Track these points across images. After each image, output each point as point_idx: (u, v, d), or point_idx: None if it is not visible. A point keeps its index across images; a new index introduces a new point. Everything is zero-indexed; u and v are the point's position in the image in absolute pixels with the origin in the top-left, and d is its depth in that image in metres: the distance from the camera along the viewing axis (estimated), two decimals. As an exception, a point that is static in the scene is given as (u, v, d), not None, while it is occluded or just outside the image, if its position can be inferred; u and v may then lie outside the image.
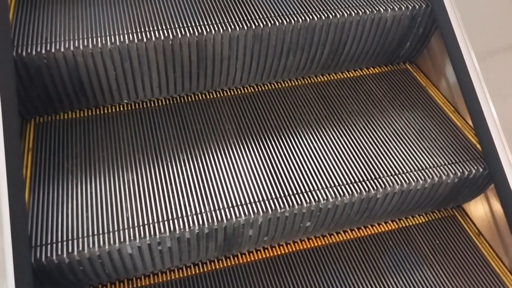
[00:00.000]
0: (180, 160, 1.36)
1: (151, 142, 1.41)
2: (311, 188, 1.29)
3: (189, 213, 1.22)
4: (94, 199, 1.24)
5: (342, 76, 1.71)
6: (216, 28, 1.38)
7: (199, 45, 1.39)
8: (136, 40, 1.33)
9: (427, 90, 1.67)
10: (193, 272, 1.41)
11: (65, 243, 1.14)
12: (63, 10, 1.44)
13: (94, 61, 1.33)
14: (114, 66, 1.36)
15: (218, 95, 1.60)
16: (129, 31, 1.35)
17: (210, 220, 1.21)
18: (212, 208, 1.23)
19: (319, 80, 1.69)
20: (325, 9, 1.48)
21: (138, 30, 1.36)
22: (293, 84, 1.66)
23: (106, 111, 1.50)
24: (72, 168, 1.32)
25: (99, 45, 1.31)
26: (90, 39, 1.32)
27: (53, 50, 1.28)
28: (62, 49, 1.28)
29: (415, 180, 1.33)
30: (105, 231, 1.17)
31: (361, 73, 1.73)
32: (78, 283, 1.27)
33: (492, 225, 1.51)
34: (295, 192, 1.28)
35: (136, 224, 1.19)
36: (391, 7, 1.51)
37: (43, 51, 1.27)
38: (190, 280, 1.39)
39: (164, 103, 1.55)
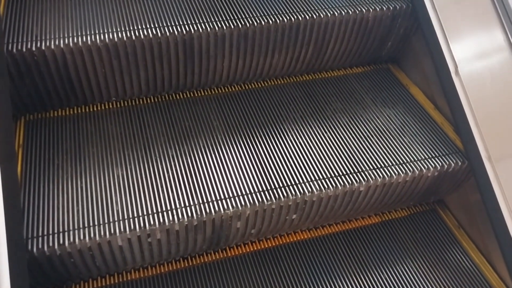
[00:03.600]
0: (169, 155, 1.39)
1: (140, 138, 1.44)
2: (297, 182, 1.33)
3: (178, 206, 1.25)
4: (85, 193, 1.27)
5: (327, 75, 1.76)
6: (203, 27, 1.42)
7: (186, 44, 1.43)
8: (125, 38, 1.36)
9: (408, 88, 1.72)
10: (182, 266, 1.43)
11: (56, 235, 1.16)
12: (53, 7, 1.47)
13: (83, 58, 1.36)
14: (103, 63, 1.39)
15: (206, 93, 1.63)
16: (118, 29, 1.38)
17: (198, 213, 1.24)
18: (200, 201, 1.26)
19: (304, 78, 1.73)
20: (309, 9, 1.52)
21: (127, 28, 1.39)
22: (279, 82, 1.71)
23: (95, 109, 1.53)
24: (63, 164, 1.34)
25: (89, 42, 1.34)
26: (79, 37, 1.34)
27: (43, 47, 1.30)
28: (52, 46, 1.31)
29: (396, 173, 1.38)
30: (96, 223, 1.19)
31: (345, 72, 1.78)
32: (69, 277, 1.29)
33: (471, 217, 1.56)
34: (281, 185, 1.32)
35: (126, 217, 1.21)
36: (373, 7, 1.56)
37: (34, 48, 1.30)
38: (179, 273, 1.42)
39: (153, 100, 1.58)
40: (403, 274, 1.47)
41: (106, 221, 1.20)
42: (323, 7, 1.54)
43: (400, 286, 1.43)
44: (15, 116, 1.46)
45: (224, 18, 1.46)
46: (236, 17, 1.47)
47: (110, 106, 1.55)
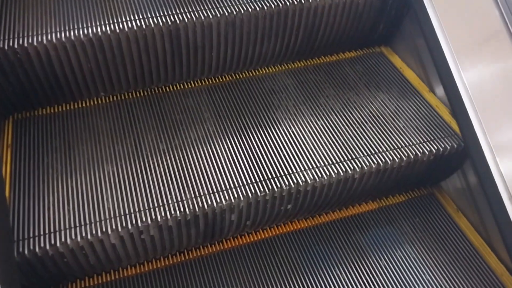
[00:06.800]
0: (160, 149, 1.37)
1: (131, 133, 1.42)
2: (290, 171, 1.31)
3: (170, 201, 1.23)
4: (75, 191, 1.25)
5: (318, 61, 1.73)
6: (189, 17, 1.39)
7: (172, 35, 1.40)
8: (109, 31, 1.33)
9: (402, 71, 1.69)
10: (179, 260, 1.42)
11: (47, 235, 1.14)
12: (35, 3, 1.44)
13: (68, 54, 1.33)
14: (88, 58, 1.36)
15: (196, 85, 1.61)
16: (102, 22, 1.35)
17: (191, 207, 1.22)
18: (193, 195, 1.25)
19: (296, 66, 1.70)
20: (297, -6, 1.49)
21: (111, 21, 1.36)
22: (270, 71, 1.68)
23: (84, 105, 1.51)
24: (52, 162, 1.32)
25: (72, 37, 1.31)
26: (62, 32, 1.31)
27: (25, 44, 1.27)
28: (35, 43, 1.28)
29: (391, 159, 1.36)
30: (87, 222, 1.17)
31: (337, 58, 1.75)
32: (63, 276, 1.28)
33: (469, 200, 1.54)
34: (274, 175, 1.30)
35: (118, 214, 1.20)
36: (362, -11, 1.53)
37: (16, 46, 1.27)
38: (176, 267, 1.41)
39: (142, 94, 1.56)
40: (402, 259, 1.45)
41: (97, 219, 1.19)
42: (312, -8, 1.50)
43: (399, 271, 1.42)
44: (2, 115, 1.44)
45: (210, 7, 1.43)
46: (222, 5, 1.44)
47: (99, 102, 1.52)
